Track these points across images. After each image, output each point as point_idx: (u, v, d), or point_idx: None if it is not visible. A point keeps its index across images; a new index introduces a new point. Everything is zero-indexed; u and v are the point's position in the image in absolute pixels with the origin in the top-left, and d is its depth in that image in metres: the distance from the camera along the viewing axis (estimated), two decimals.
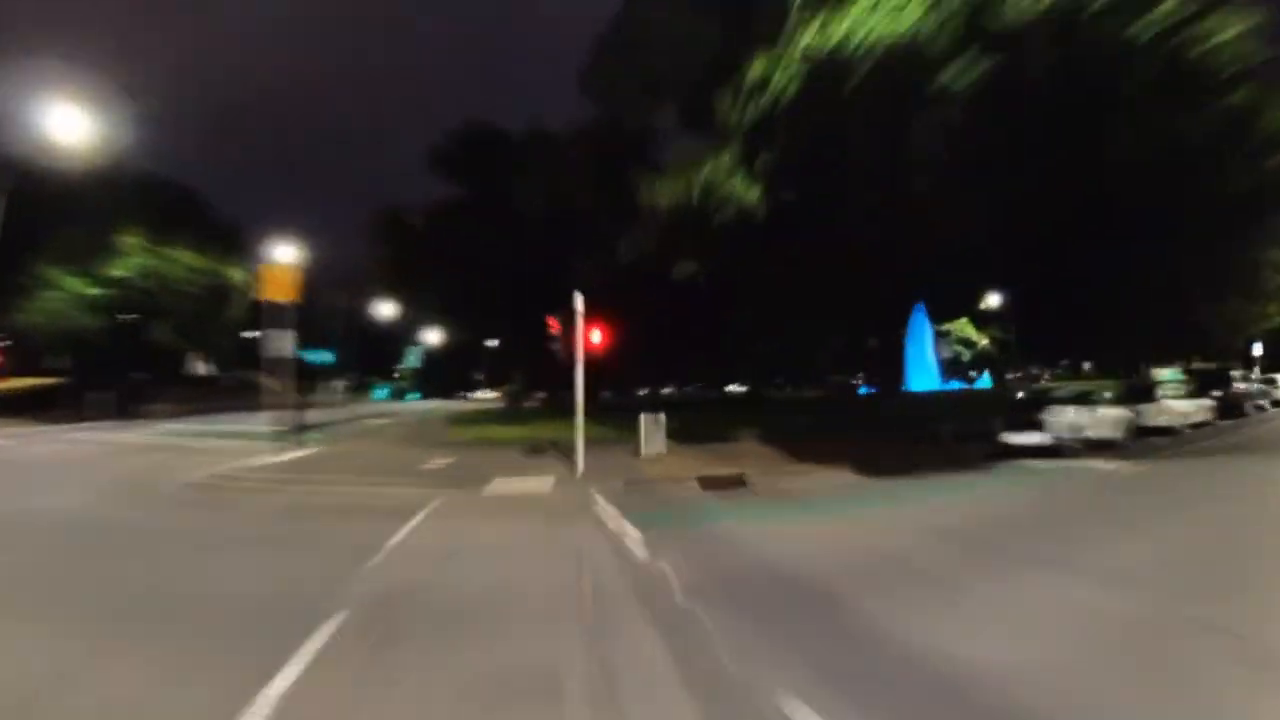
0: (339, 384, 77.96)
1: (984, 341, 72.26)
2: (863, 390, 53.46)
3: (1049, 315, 57.06)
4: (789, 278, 22.44)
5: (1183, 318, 30.08)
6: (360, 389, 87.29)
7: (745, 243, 19.04)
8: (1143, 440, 19.95)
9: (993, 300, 67.77)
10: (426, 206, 40.49)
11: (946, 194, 17.24)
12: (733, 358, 50.66)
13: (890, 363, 42.32)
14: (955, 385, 53.21)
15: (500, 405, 56.63)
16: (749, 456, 17.36)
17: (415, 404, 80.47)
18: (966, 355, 70.60)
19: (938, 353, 72.17)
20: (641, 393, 70.53)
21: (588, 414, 16.06)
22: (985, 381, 53.31)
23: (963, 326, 71.19)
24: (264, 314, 24.02)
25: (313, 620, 5.85)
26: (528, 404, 49.81)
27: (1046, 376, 67.74)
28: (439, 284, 39.63)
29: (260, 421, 28.57)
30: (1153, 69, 15.63)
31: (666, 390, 67.85)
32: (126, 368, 49.19)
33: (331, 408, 53.30)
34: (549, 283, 29.14)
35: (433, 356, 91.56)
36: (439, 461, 17.76)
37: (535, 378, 48.50)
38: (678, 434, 19.27)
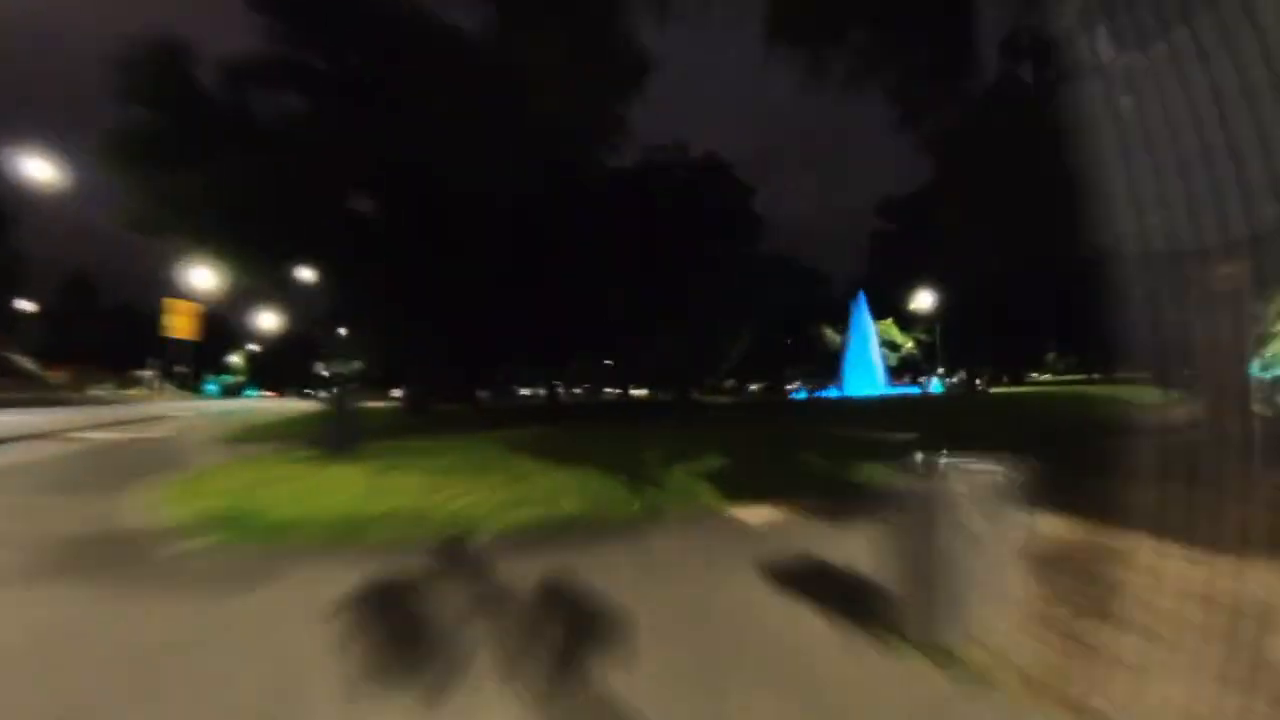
0: (151, 375, 62.48)
1: (909, 345, 67.22)
2: (799, 395, 45.84)
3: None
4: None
5: None
6: (188, 382, 71.71)
7: None
8: None
9: (923, 301, 63.07)
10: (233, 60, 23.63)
11: None
12: (628, 351, 41.20)
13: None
14: (904, 388, 46.16)
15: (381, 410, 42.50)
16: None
17: (246, 402, 65.82)
18: (891, 359, 64.97)
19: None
20: (524, 391, 59.73)
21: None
22: (938, 387, 46.71)
23: (887, 328, 65.57)
24: None
25: None
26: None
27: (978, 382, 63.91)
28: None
29: None
30: None
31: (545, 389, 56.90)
32: None
33: (117, 405, 39.56)
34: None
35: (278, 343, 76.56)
36: None
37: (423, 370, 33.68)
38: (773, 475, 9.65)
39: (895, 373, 63.51)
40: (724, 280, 38.08)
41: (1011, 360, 75.08)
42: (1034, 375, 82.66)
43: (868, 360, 47.74)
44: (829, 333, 68.27)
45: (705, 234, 37.10)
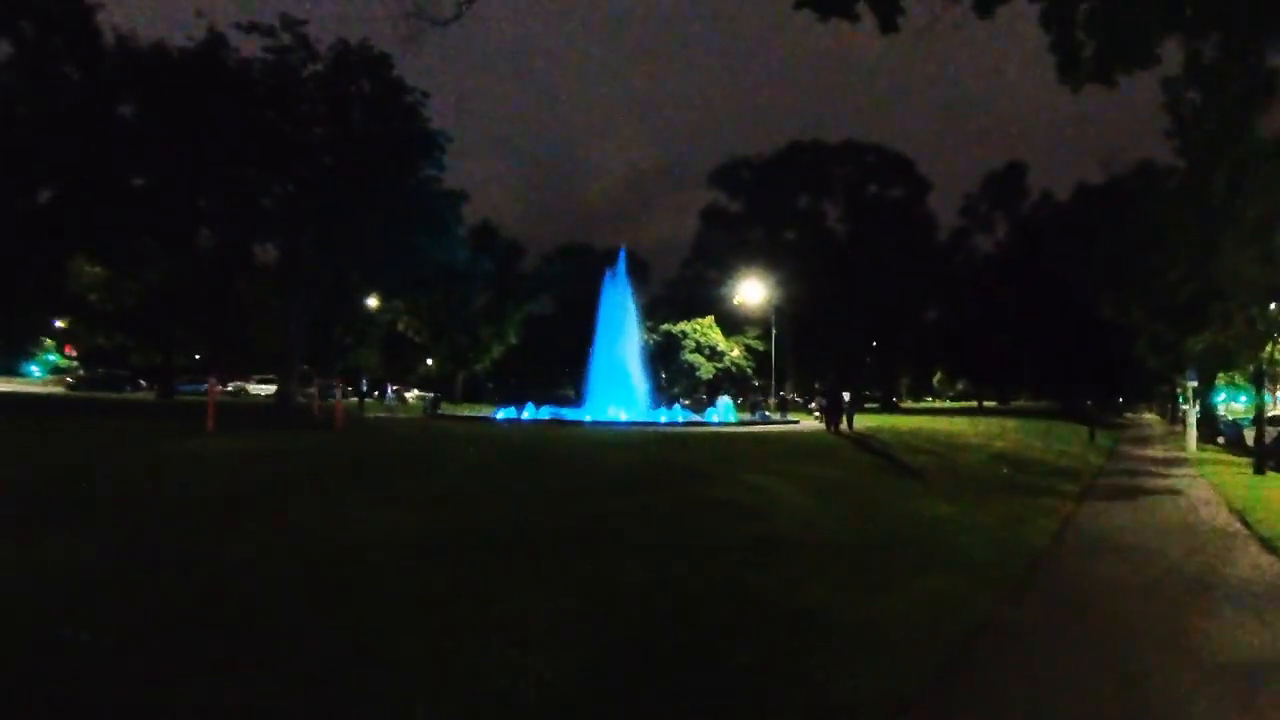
0: None
1: (734, 352, 50.69)
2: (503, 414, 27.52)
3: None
4: None
5: None
6: None
7: None
8: None
9: (751, 296, 46.71)
10: None
11: None
12: None
13: None
14: (678, 414, 28.92)
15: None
16: None
17: None
18: (707, 370, 47.93)
19: (657, 361, 49.41)
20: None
21: None
22: (728, 412, 29.16)
23: (706, 327, 48.72)
24: None
25: None
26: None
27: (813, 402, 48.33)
28: None
29: None
30: None
31: None
32: None
33: None
34: None
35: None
36: None
37: None
38: None
39: (701, 389, 46.75)
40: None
41: (883, 378, 59.80)
42: (900, 400, 68.48)
43: (621, 367, 30.26)
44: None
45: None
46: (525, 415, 25.95)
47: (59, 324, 44.20)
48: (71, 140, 28.06)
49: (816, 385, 46.88)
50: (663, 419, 26.10)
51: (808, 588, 4.99)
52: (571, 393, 40.11)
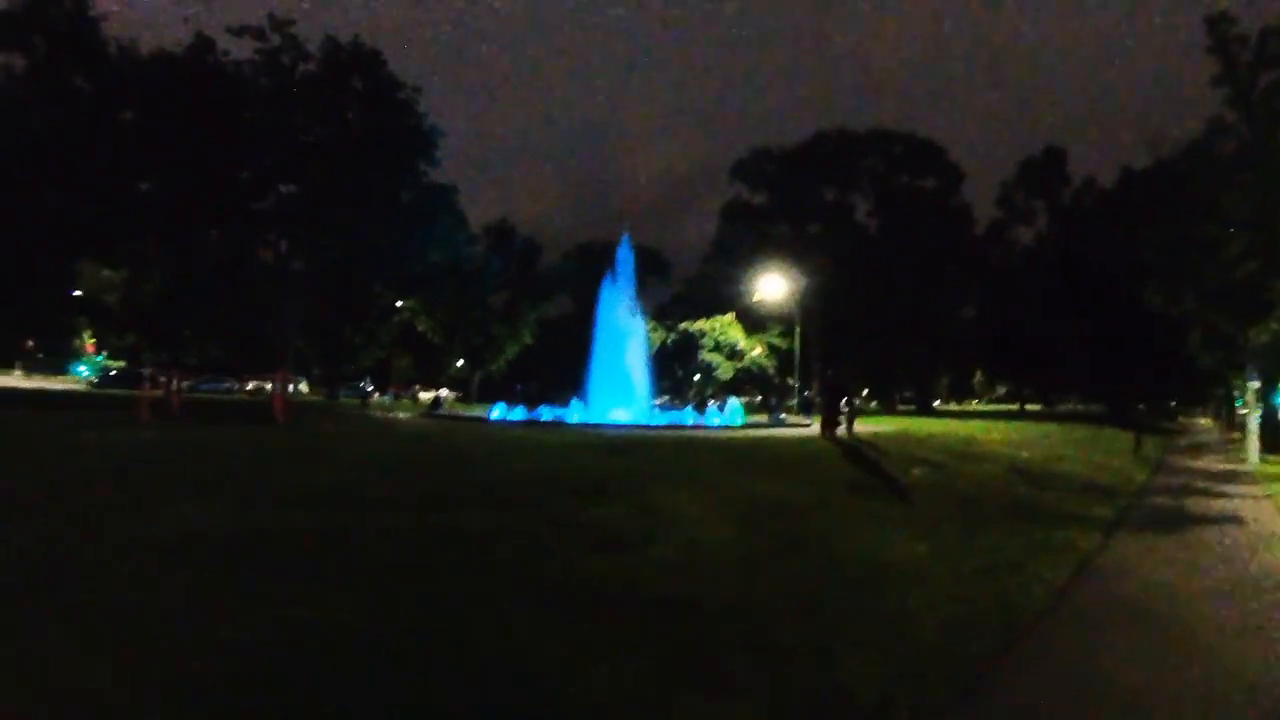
0: None
1: (755, 351, 48.41)
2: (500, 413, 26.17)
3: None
4: None
5: None
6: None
7: None
8: None
9: (774, 293, 44.27)
10: None
11: None
12: None
13: None
14: (687, 416, 27.32)
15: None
16: None
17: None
18: (726, 370, 45.87)
19: (675, 361, 47.40)
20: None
21: None
22: (735, 414, 27.39)
23: (726, 325, 46.63)
24: None
25: None
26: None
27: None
28: None
29: None
30: None
31: None
32: None
33: None
34: None
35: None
36: None
37: None
38: None
39: (730, 390, 44.57)
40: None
41: (918, 380, 56.55)
42: (937, 403, 64.85)
43: (622, 366, 28.60)
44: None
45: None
46: (513, 416, 24.69)
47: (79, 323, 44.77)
48: (80, 147, 28.37)
49: (808, 389, 43.65)
50: (662, 421, 24.29)
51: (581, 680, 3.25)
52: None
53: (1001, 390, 72.67)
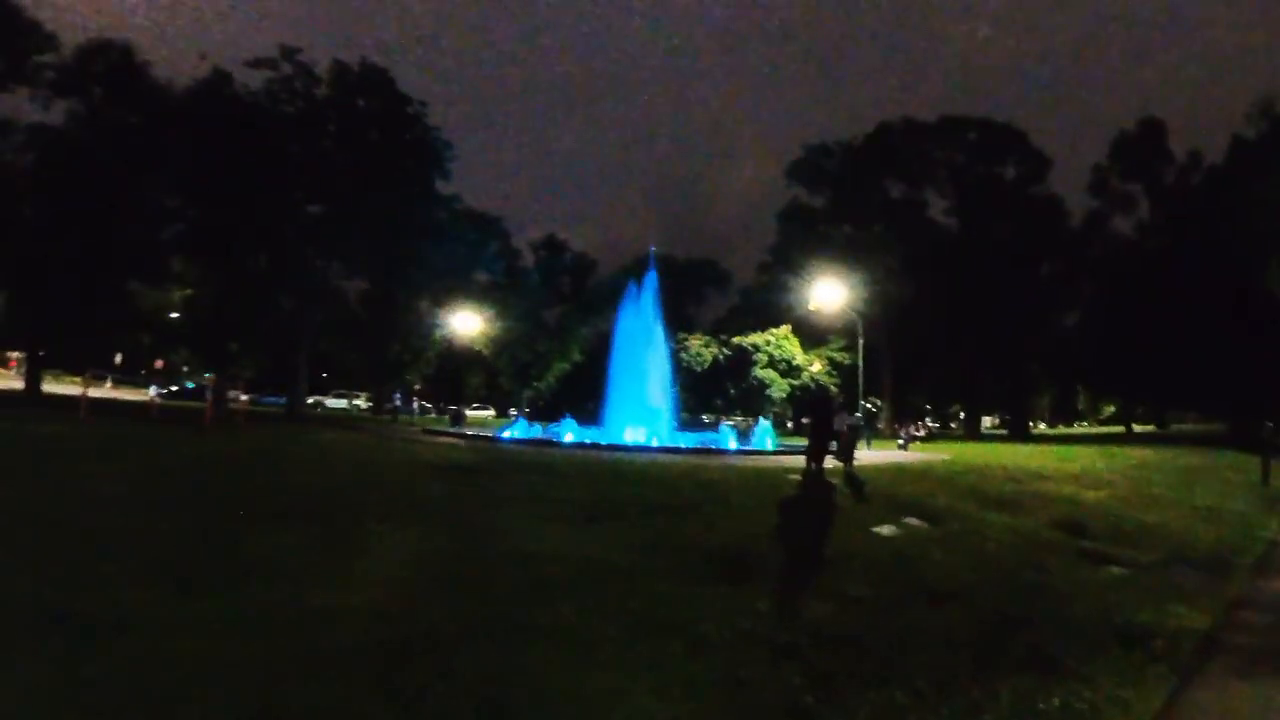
0: None
1: (814, 367, 44.44)
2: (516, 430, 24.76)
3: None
4: None
5: None
6: None
7: None
8: None
9: (827, 299, 40.11)
10: None
11: None
12: None
13: None
14: (725, 436, 25.05)
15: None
16: None
17: None
18: (780, 387, 42.36)
19: (726, 377, 44.09)
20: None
21: None
22: (763, 437, 24.79)
23: (781, 339, 43.15)
24: None
25: None
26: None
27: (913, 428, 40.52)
28: None
29: None
30: None
31: None
32: None
33: None
34: None
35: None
36: None
37: None
38: None
39: (798, 410, 40.95)
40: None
41: (1011, 399, 50.18)
42: (1035, 425, 57.37)
43: (642, 379, 26.45)
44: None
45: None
46: (530, 433, 23.89)
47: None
48: (133, 178, 30.09)
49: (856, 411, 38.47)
50: (675, 443, 21.69)
51: None
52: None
53: (1111, 410, 63.78)
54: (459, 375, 62.73)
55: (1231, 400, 28.76)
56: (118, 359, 49.73)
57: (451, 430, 28.07)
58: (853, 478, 10.98)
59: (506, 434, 24.21)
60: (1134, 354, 34.14)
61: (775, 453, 21.00)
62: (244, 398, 49.65)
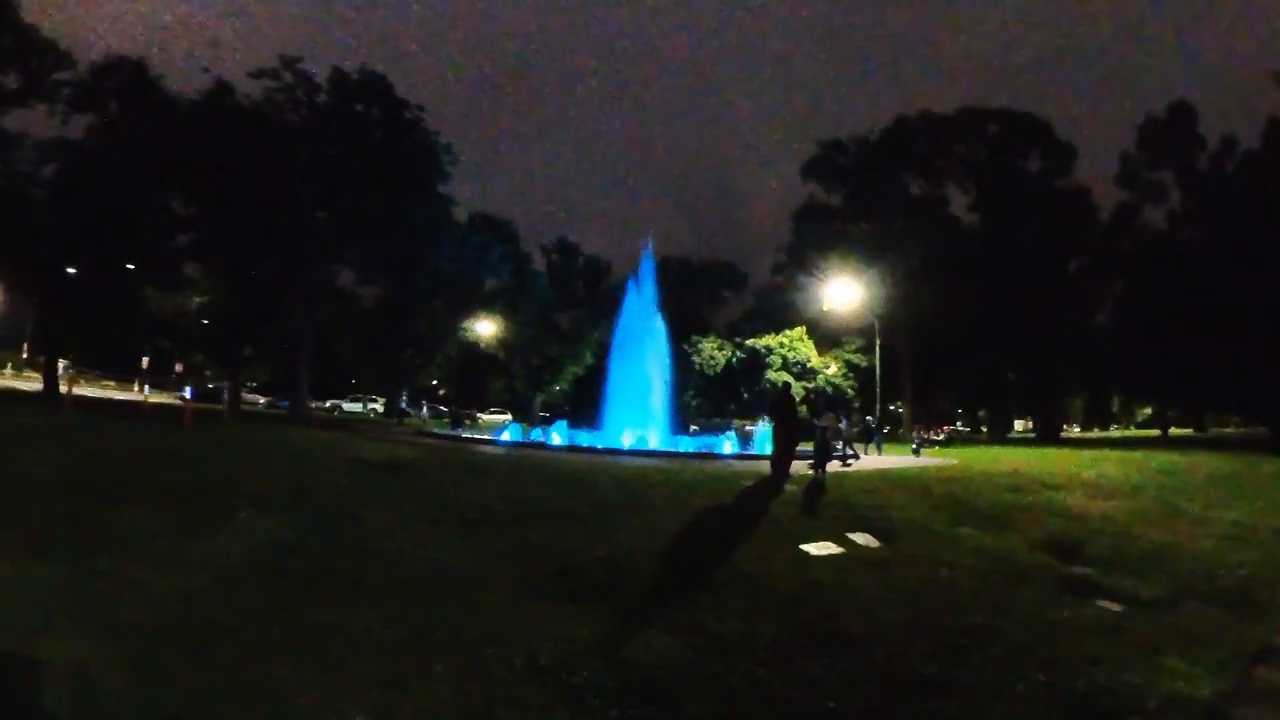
0: None
1: (830, 370, 43.17)
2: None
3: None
4: None
5: None
6: None
7: None
8: None
9: (843, 300, 38.83)
10: None
11: None
12: None
13: None
14: (699, 440, 24.40)
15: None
16: None
17: None
18: (794, 390, 41.12)
19: (740, 380, 43.04)
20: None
21: None
22: (763, 440, 23.82)
23: (795, 340, 42.02)
24: None
25: None
26: None
27: (933, 431, 38.93)
28: None
29: None
30: None
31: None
32: None
33: None
34: None
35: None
36: None
37: None
38: None
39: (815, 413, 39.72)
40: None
41: (1040, 402, 48.07)
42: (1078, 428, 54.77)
43: (641, 381, 25.79)
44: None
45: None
46: (530, 437, 23.67)
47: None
48: (147, 188, 30.74)
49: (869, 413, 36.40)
50: (671, 447, 20.92)
51: None
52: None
53: (1148, 412, 60.80)
54: (482, 380, 62.89)
55: (1276, 401, 26.83)
56: (145, 363, 51.07)
57: (446, 432, 27.89)
58: (815, 485, 10.18)
59: (503, 436, 23.88)
60: (1169, 353, 32.24)
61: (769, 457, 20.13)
62: (262, 400, 50.62)
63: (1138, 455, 21.75)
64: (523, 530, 6.87)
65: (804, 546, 6.85)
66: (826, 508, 8.60)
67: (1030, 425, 56.70)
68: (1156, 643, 5.30)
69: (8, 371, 46.75)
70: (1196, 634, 5.57)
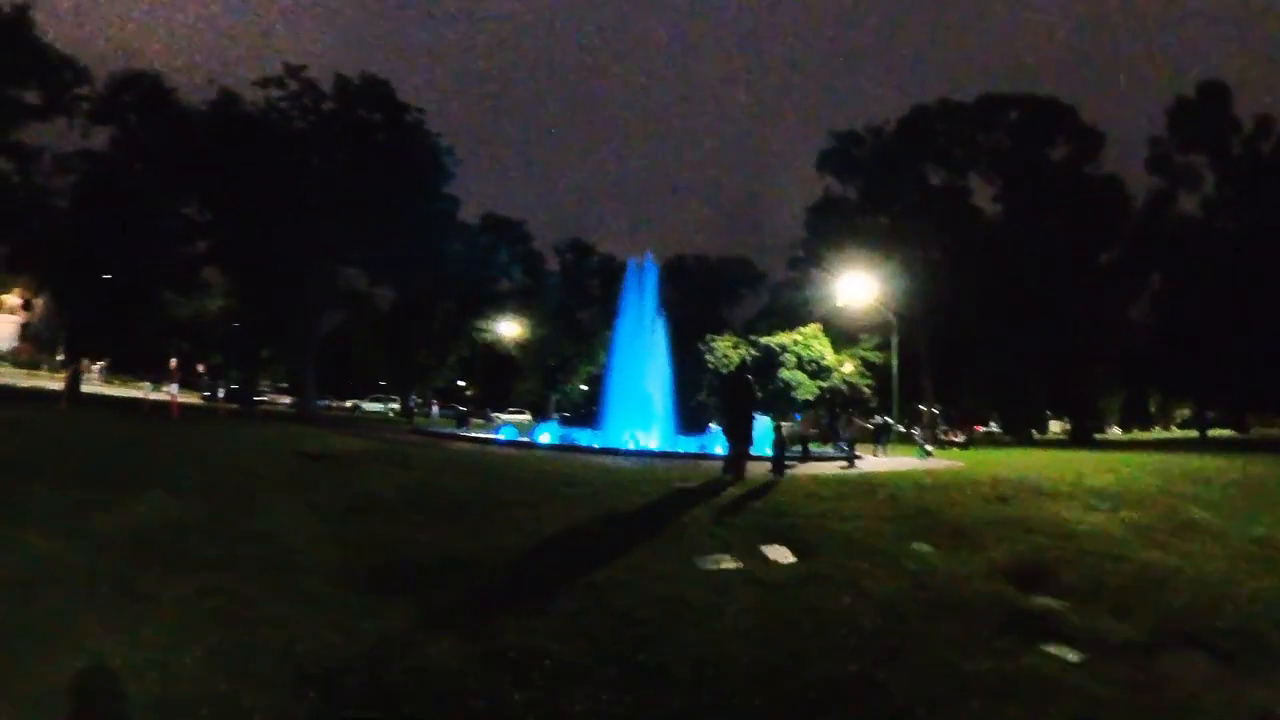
0: None
1: (847, 368, 41.99)
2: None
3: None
4: None
5: None
6: None
7: None
8: None
9: (859, 295, 37.62)
10: None
11: None
12: None
13: None
14: (701, 440, 23.71)
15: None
16: None
17: None
18: (808, 389, 40.24)
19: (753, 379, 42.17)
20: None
21: None
22: (765, 439, 22.96)
23: (810, 338, 40.99)
24: None
25: None
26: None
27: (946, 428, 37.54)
28: None
29: None
30: None
31: None
32: None
33: None
34: None
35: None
36: None
37: None
38: None
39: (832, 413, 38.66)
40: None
41: (1073, 402, 46.15)
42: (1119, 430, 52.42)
43: (639, 380, 25.29)
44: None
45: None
46: (505, 436, 22.87)
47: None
48: (164, 196, 31.62)
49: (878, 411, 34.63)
50: (671, 447, 20.34)
51: None
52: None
53: (1187, 413, 57.90)
54: (506, 380, 63.30)
55: None
56: (173, 364, 52.63)
57: (443, 430, 27.90)
58: (760, 490, 9.60)
59: (498, 435, 23.74)
60: (1207, 350, 30.39)
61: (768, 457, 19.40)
62: (286, 400, 51.55)
63: (1165, 459, 20.37)
64: (398, 522, 6.85)
65: (697, 559, 6.18)
66: (753, 515, 7.94)
67: (1067, 427, 54.55)
68: (1113, 711, 3.98)
69: (42, 371, 48.38)
70: (1169, 698, 4.25)
